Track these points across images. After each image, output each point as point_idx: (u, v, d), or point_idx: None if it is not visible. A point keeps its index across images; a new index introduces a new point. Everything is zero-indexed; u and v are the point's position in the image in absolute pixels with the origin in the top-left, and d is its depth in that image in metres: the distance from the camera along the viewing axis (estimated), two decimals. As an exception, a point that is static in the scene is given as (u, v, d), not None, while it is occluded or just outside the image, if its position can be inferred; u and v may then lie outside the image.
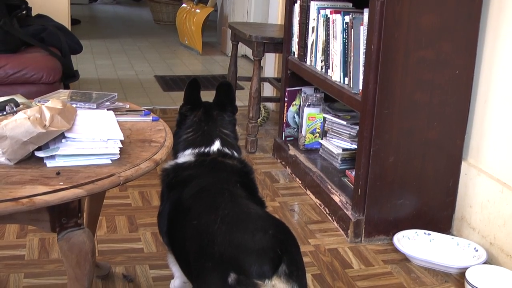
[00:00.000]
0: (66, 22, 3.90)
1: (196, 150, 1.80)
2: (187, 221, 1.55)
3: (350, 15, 2.49)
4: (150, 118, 1.80)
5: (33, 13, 3.60)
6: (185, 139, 1.84)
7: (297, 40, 3.05)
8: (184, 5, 6.68)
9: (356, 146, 2.57)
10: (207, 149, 1.80)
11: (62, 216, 1.41)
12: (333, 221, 2.60)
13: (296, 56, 3.08)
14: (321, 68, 2.78)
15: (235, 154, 1.84)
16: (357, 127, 2.60)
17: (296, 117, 3.23)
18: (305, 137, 3.06)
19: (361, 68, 2.39)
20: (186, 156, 1.80)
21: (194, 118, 1.86)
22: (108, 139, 1.49)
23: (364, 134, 2.34)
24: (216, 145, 1.81)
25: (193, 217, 1.53)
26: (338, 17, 2.58)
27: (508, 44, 2.26)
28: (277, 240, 1.36)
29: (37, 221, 1.42)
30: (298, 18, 3.00)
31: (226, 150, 1.82)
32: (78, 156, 1.43)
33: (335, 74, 2.63)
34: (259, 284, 1.30)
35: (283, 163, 3.22)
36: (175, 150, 1.84)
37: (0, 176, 1.34)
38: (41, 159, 1.41)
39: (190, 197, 1.63)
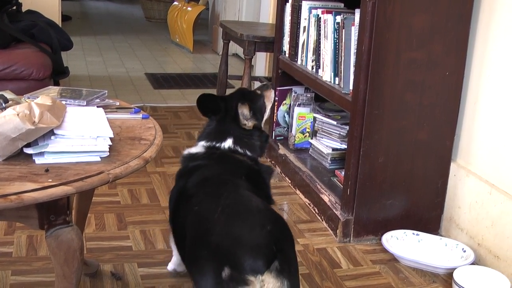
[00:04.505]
0: (56, 18, 3.89)
1: (208, 144, 1.88)
2: (189, 206, 1.60)
3: (342, 15, 2.49)
4: (140, 115, 1.79)
5: (24, 9, 3.58)
6: (204, 130, 1.92)
7: (288, 39, 3.05)
8: (175, 3, 6.67)
9: (346, 146, 2.58)
10: (218, 144, 1.87)
11: (51, 213, 1.40)
12: (322, 220, 2.60)
13: (287, 55, 3.08)
14: (312, 68, 2.79)
15: (248, 153, 1.89)
16: (347, 127, 2.61)
17: (286, 116, 3.23)
18: (295, 136, 3.06)
19: (352, 68, 2.39)
20: (199, 147, 1.89)
21: (220, 116, 1.92)
22: (97, 137, 1.49)
23: (354, 134, 2.35)
24: (228, 143, 1.87)
25: (195, 203, 1.58)
26: (329, 17, 2.58)
27: (498, 46, 2.27)
28: (274, 236, 1.40)
29: (25, 218, 1.41)
30: (290, 18, 3.00)
31: (238, 149, 1.88)
32: (67, 153, 1.42)
33: (326, 74, 2.64)
34: (250, 280, 1.32)
35: (272, 162, 3.22)
36: (197, 139, 1.93)
37: (-12, 173, 1.33)
38: (30, 155, 1.41)
39: (194, 185, 1.69)
